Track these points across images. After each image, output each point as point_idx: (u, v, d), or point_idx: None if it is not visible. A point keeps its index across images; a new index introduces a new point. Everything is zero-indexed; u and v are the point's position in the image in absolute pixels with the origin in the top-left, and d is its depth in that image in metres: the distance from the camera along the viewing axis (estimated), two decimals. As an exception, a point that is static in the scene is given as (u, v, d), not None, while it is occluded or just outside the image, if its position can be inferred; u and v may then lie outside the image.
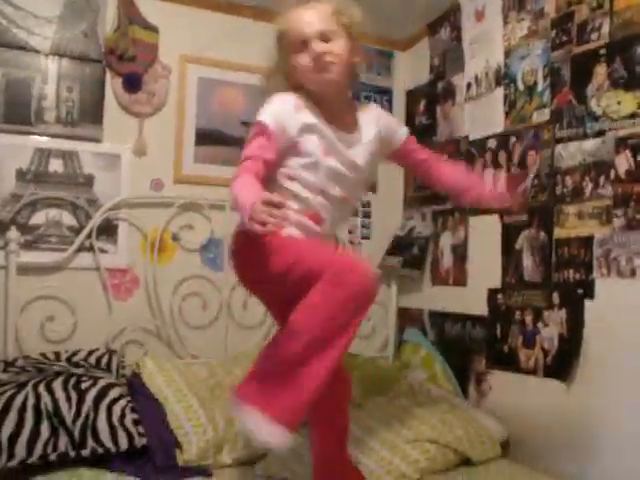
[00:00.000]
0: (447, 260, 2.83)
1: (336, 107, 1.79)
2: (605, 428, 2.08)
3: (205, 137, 2.82)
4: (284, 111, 1.70)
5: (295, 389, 1.38)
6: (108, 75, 2.65)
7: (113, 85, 2.65)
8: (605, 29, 2.12)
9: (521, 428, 2.41)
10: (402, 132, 1.95)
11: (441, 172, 1.99)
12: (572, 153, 2.25)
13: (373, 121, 1.86)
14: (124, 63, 2.64)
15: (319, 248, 1.65)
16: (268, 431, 1.35)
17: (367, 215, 3.14)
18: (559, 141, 2.30)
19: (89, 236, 2.57)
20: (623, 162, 2.06)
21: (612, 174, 2.10)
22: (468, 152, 2.75)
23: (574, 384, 2.21)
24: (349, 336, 1.41)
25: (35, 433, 1.96)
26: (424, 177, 2.08)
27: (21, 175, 2.51)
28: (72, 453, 1.98)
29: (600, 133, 2.14)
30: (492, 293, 2.55)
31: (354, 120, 1.83)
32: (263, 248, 1.54)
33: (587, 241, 2.17)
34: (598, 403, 2.11)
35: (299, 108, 1.71)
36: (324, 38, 1.70)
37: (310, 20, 1.71)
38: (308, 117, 1.72)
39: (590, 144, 2.17)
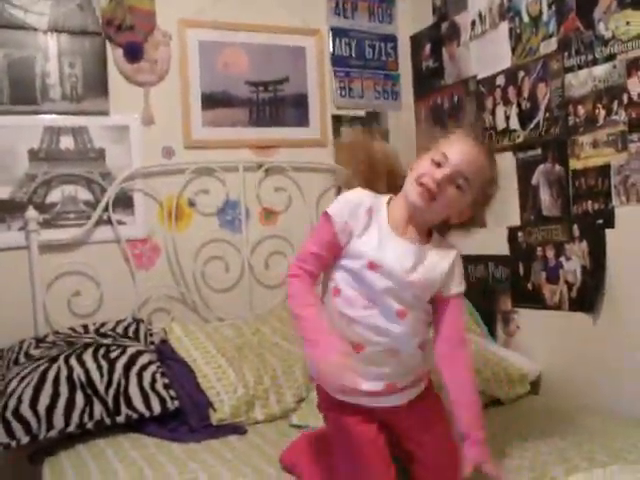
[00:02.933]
0: (465, 203, 2.81)
1: (412, 230, 1.57)
2: (634, 357, 2.07)
3: (211, 100, 2.80)
4: (355, 209, 1.55)
5: None
6: (108, 47, 2.63)
7: (114, 56, 2.64)
8: (607, -52, 2.05)
9: (551, 364, 2.41)
10: (456, 289, 1.61)
11: (447, 367, 1.59)
12: (583, 81, 2.20)
13: (444, 261, 1.58)
14: (123, 33, 2.62)
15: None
16: None
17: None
18: (568, 70, 2.26)
19: (106, 209, 2.59)
20: (636, 85, 2.02)
21: (625, 98, 2.05)
22: (477, 91, 2.70)
23: (600, 315, 2.19)
24: None
25: (70, 403, 2.01)
26: (434, 338, 1.64)
27: (33, 155, 2.53)
28: (107, 420, 2.04)
29: (610, 57, 2.09)
30: (512, 231, 2.53)
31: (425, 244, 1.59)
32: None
33: (604, 170, 2.14)
34: (625, 332, 2.10)
35: (371, 211, 1.55)
36: (459, 180, 1.50)
37: (466, 156, 1.51)
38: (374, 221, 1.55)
39: (601, 70, 2.13)
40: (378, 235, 1.53)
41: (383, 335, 1.52)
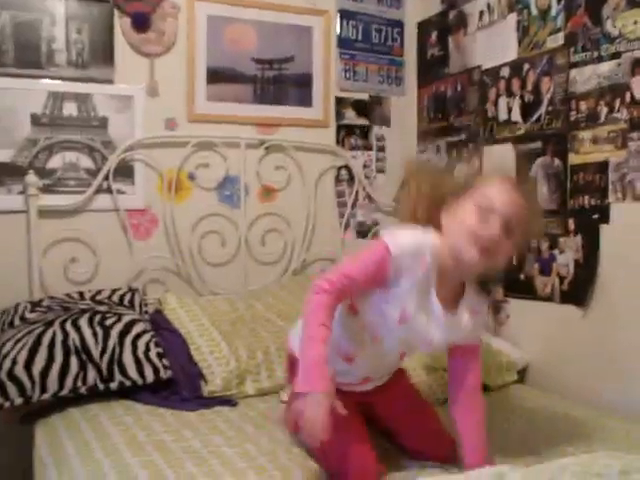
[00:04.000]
0: (462, 191, 2.83)
1: (451, 282, 1.56)
2: (621, 352, 2.12)
3: (217, 75, 2.80)
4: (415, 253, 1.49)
5: None
6: (116, 15, 2.63)
7: (122, 25, 2.63)
8: (620, -53, 2.07)
9: (539, 355, 2.45)
10: (477, 339, 1.66)
11: (464, 414, 1.62)
12: (587, 77, 2.22)
13: (472, 319, 1.58)
14: (131, 2, 2.61)
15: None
16: None
17: (381, 149, 3.13)
18: (573, 66, 2.28)
19: (106, 178, 2.59)
20: (639, 84, 2.04)
21: (628, 97, 2.08)
22: (481, 81, 2.72)
23: (590, 309, 2.23)
24: None
25: (65, 368, 2.03)
26: (450, 383, 1.69)
27: (36, 119, 2.52)
28: (101, 386, 2.06)
29: (616, 55, 2.11)
30: (508, 222, 2.56)
31: (457, 301, 1.57)
32: None
33: (602, 166, 2.17)
34: (614, 327, 2.14)
35: (428, 267, 1.50)
36: (507, 229, 1.45)
37: (513, 205, 1.47)
38: (424, 272, 1.50)
39: (605, 67, 2.15)
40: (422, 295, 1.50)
41: (378, 359, 1.62)
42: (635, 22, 2.03)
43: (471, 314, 1.56)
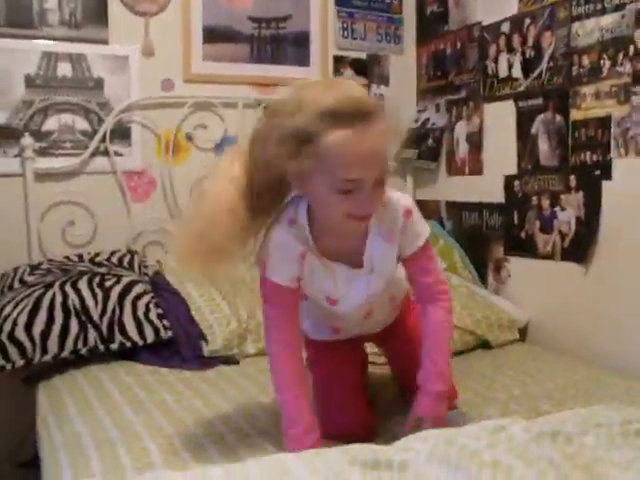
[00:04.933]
0: (462, 150, 2.81)
1: (346, 240, 1.43)
2: (622, 309, 2.11)
3: (213, 34, 2.75)
4: (289, 266, 1.39)
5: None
6: (109, -28, 2.58)
7: (115, -17, 2.59)
8: None
9: (540, 313, 2.45)
10: (411, 249, 1.45)
11: (423, 324, 1.51)
12: (589, 31, 2.18)
13: (386, 236, 1.42)
14: (125, -41, 2.57)
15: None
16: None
17: (380, 108, 3.10)
18: (575, 19, 2.24)
19: (103, 140, 2.57)
20: (643, 36, 2.01)
21: (631, 50, 2.04)
22: (481, 38, 2.68)
23: (592, 266, 2.23)
24: None
25: (65, 329, 2.03)
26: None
27: (30, 81, 2.49)
28: (101, 347, 2.06)
29: (619, 7, 2.07)
30: (508, 180, 2.54)
31: (362, 248, 1.43)
32: None
33: (604, 121, 2.14)
34: (616, 284, 2.14)
35: (303, 256, 1.39)
36: (377, 180, 1.26)
37: (372, 156, 1.23)
38: (311, 264, 1.40)
39: (608, 19, 2.11)
40: (317, 272, 1.41)
41: (358, 325, 1.58)
42: (640, -28, 1.99)
43: (388, 240, 1.41)
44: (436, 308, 1.48)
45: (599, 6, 2.14)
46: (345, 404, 1.53)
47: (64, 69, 2.53)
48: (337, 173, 1.22)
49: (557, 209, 2.33)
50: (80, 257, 2.44)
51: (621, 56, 2.08)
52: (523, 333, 2.46)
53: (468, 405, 1.67)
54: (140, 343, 2.09)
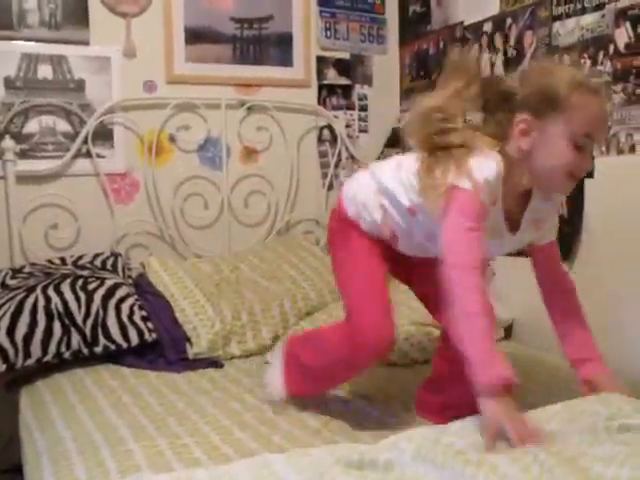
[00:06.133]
0: (446, 149, 2.82)
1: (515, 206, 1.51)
2: (605, 306, 2.12)
3: (195, 35, 2.74)
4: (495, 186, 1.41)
5: (316, 389, 1.72)
6: (90, -27, 2.56)
7: (96, -17, 2.57)
8: None
9: (525, 311, 2.46)
10: (549, 237, 1.64)
11: (556, 314, 1.69)
12: (570, 30, 2.20)
13: (535, 223, 1.55)
14: (106, -40, 2.55)
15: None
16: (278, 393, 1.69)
17: (364, 108, 3.10)
18: (556, 19, 2.25)
19: (85, 142, 2.55)
20: (623, 35, 2.02)
21: (611, 49, 2.06)
22: (463, 37, 2.69)
23: (575, 264, 2.24)
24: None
25: (48, 333, 2.02)
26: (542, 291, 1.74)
27: (10, 83, 2.46)
28: (85, 350, 2.05)
29: (599, 7, 2.08)
30: (491, 179, 2.55)
31: (521, 218, 1.53)
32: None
33: (586, 120, 2.15)
34: (599, 281, 2.14)
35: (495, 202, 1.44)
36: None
37: (606, 122, 1.53)
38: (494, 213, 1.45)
39: (589, 19, 2.12)
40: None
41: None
42: (619, -28, 2.00)
43: (536, 225, 1.54)
44: (572, 303, 1.67)
45: (579, 6, 2.15)
46: (383, 309, 1.54)
47: (45, 71, 2.51)
48: (580, 127, 1.38)
49: (540, 207, 2.34)
50: (63, 260, 2.42)
51: (601, 55, 2.09)
52: (509, 331, 2.47)
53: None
54: (124, 346, 2.08)
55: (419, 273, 1.72)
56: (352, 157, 3.05)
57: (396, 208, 1.55)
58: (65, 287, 2.11)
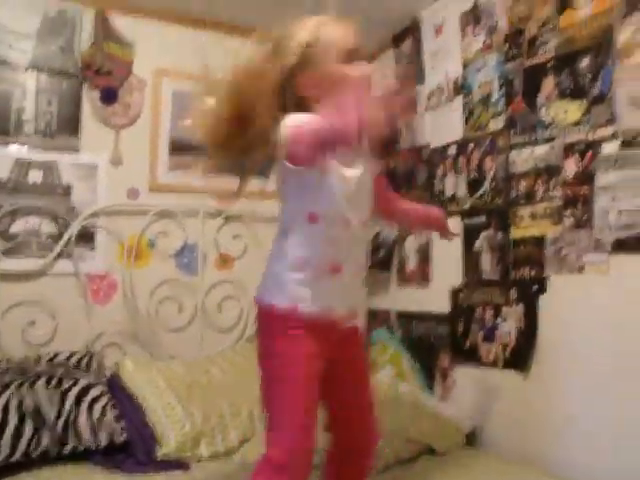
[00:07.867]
0: (412, 261, 2.97)
1: None
2: (560, 415, 2.22)
3: (179, 145, 2.90)
4: None
5: None
6: (85, 88, 2.75)
7: (90, 98, 2.75)
8: (552, 44, 2.28)
9: (485, 418, 2.54)
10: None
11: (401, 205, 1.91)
12: (525, 158, 2.40)
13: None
14: (100, 77, 2.74)
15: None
16: None
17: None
18: (513, 147, 2.45)
19: (68, 243, 2.66)
20: (571, 166, 2.21)
21: (561, 177, 2.25)
22: (430, 159, 2.89)
23: (531, 374, 2.35)
24: None
25: (18, 432, 2.05)
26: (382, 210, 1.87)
27: (2, 185, 2.59)
28: (54, 450, 2.07)
29: (549, 140, 2.29)
30: (454, 292, 2.69)
31: None
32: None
33: (540, 240, 2.32)
34: (554, 391, 2.25)
35: None
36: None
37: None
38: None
39: (541, 150, 2.33)
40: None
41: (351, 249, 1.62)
42: (565, 111, 2.22)
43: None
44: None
45: (533, 137, 2.36)
46: (311, 424, 1.50)
47: (35, 176, 2.65)
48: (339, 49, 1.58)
49: (499, 320, 2.48)
50: (39, 358, 2.47)
51: (553, 182, 2.28)
52: (470, 438, 2.54)
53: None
54: (93, 447, 2.12)
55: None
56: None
57: (297, 230, 1.60)
58: (39, 386, 2.17)
